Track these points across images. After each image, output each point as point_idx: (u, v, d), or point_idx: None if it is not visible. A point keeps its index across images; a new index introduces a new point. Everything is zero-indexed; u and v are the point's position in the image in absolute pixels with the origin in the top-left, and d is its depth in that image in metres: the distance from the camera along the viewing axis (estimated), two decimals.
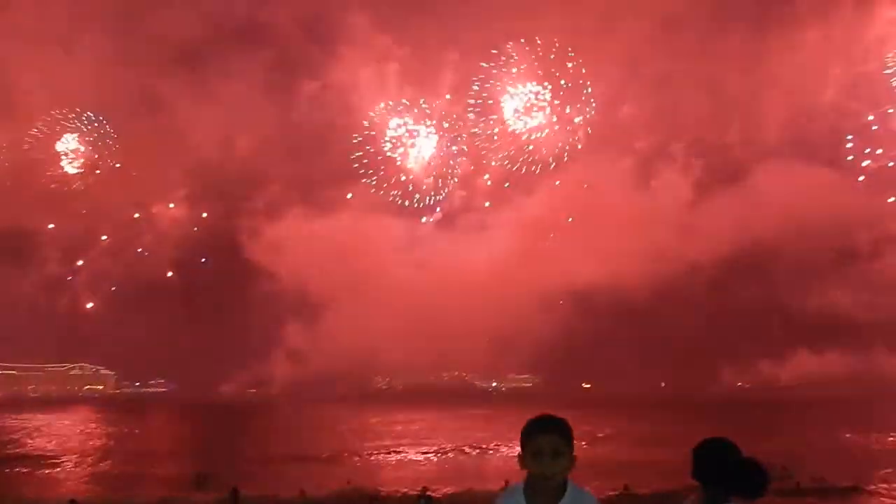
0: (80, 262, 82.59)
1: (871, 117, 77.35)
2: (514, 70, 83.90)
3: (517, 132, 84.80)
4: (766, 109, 76.69)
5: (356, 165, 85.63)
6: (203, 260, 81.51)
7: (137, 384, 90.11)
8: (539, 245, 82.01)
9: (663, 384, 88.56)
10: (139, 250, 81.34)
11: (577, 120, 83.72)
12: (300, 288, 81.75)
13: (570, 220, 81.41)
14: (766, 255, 75.85)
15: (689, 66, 76.43)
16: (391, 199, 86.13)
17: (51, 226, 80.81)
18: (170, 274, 79.73)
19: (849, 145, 78.53)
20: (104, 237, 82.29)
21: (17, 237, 77.59)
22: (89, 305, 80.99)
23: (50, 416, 63.52)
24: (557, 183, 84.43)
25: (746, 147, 78.40)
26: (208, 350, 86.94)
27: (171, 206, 79.14)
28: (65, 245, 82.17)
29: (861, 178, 78.16)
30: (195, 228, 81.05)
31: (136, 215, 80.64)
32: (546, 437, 3.36)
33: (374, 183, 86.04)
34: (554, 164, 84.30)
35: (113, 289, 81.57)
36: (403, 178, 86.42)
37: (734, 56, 75.47)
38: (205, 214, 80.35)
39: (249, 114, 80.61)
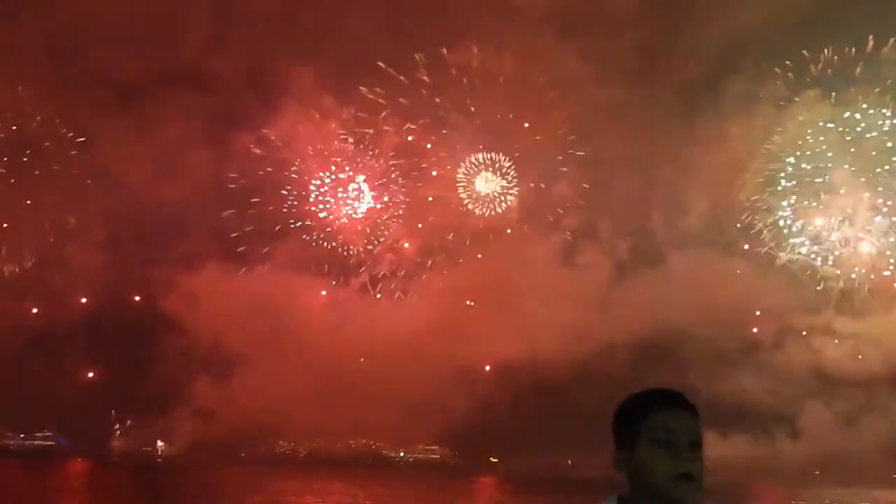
0: None
1: (786, 212, 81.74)
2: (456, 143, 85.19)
3: (451, 201, 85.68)
4: (689, 197, 79.94)
5: (287, 221, 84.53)
6: (84, 300, 77.41)
7: (22, 436, 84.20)
8: (460, 315, 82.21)
9: (570, 462, 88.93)
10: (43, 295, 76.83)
11: (511, 194, 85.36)
12: (214, 343, 79.29)
13: (494, 292, 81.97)
14: (679, 339, 78.19)
15: (623, 149, 79.15)
16: (315, 258, 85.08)
17: None
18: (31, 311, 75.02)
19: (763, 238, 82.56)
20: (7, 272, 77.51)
21: None
22: None
23: None
24: (480, 256, 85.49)
25: (667, 232, 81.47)
26: (105, 403, 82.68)
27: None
28: None
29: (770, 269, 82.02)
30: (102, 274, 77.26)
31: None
32: (681, 415, 2.45)
33: (302, 239, 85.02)
34: (485, 235, 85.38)
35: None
36: (330, 236, 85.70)
37: (664, 143, 78.63)
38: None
39: (182, 161, 78.50)
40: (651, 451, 2.36)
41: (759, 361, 79.97)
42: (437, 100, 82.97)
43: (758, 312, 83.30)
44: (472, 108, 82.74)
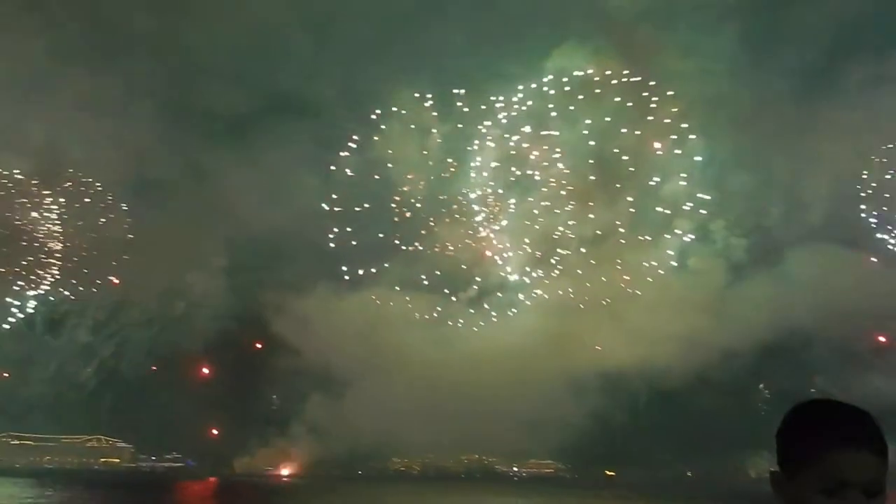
0: (109, 332, 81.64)
1: None
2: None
3: (558, 209, 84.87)
4: (808, 190, 76.02)
5: (394, 240, 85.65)
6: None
7: (154, 458, 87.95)
8: (571, 326, 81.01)
9: (689, 473, 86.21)
10: (168, 322, 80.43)
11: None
12: (324, 364, 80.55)
13: (606, 301, 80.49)
14: (803, 341, 74.49)
15: (735, 144, 76.25)
16: (425, 274, 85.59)
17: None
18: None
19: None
20: (137, 307, 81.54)
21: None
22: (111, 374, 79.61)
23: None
24: (592, 263, 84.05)
25: (786, 229, 77.66)
26: (227, 425, 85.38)
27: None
28: (96, 314, 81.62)
29: None
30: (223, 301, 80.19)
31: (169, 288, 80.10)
32: (861, 460, 1.99)
33: (410, 257, 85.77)
34: (593, 242, 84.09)
35: (137, 360, 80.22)
36: (438, 253, 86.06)
37: (778, 133, 75.01)
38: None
39: (288, 186, 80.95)
40: (815, 500, 1.96)
41: (893, 362, 75.05)
42: (537, 109, 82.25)
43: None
44: (576, 114, 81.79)
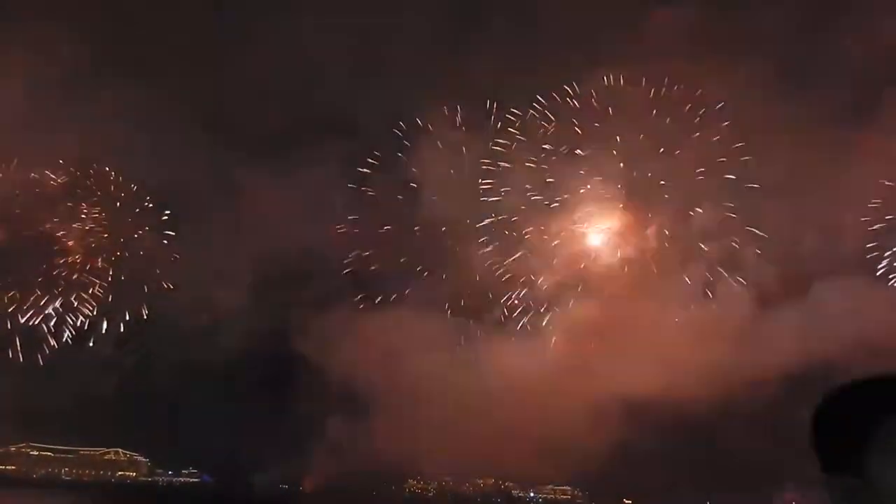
0: (133, 345, 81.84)
1: None
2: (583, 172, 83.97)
3: (583, 234, 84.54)
4: (842, 219, 75.41)
5: (418, 261, 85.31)
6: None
7: (171, 472, 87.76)
8: (595, 352, 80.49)
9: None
10: (191, 337, 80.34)
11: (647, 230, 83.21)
12: (346, 384, 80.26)
13: (628, 326, 79.87)
14: (831, 373, 73.51)
15: (770, 171, 75.74)
16: (448, 296, 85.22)
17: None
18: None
19: None
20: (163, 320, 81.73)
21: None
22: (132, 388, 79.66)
23: None
24: (615, 290, 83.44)
25: (818, 258, 76.89)
26: (246, 441, 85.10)
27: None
28: (120, 327, 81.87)
29: None
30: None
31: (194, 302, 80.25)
32: None
33: (433, 278, 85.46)
34: (621, 267, 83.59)
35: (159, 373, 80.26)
36: (461, 274, 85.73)
37: (816, 163, 74.31)
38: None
39: (321, 205, 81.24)
40: None
41: None
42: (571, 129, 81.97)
43: None
44: (608, 137, 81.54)
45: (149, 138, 77.43)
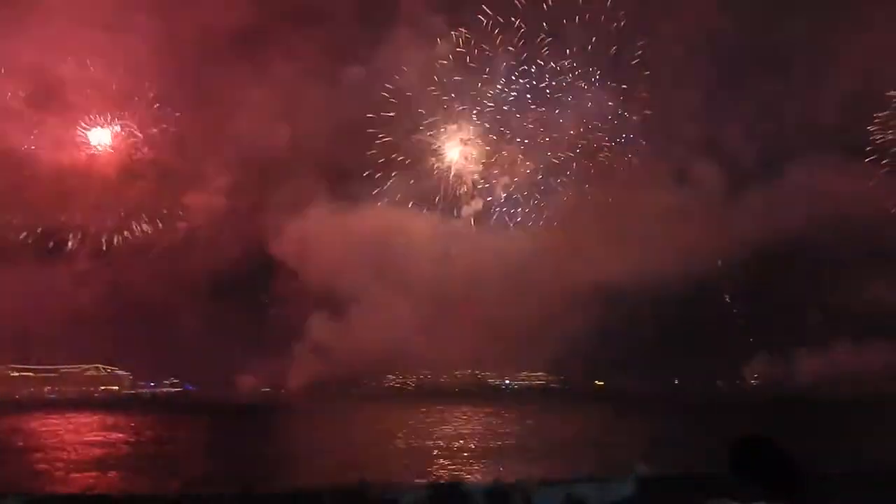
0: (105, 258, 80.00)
1: None
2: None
3: (566, 122, 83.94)
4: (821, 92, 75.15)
5: (394, 156, 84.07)
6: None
7: (153, 384, 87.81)
8: (572, 238, 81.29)
9: (677, 381, 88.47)
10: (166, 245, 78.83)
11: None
12: (326, 283, 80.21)
13: (605, 212, 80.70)
14: (800, 248, 75.63)
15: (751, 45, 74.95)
16: (427, 190, 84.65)
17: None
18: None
19: None
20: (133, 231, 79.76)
21: (53, 234, 76.33)
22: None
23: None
24: (592, 171, 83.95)
25: (794, 136, 77.35)
26: (226, 348, 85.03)
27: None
28: (94, 241, 79.81)
29: None
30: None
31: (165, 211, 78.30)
32: None
33: (413, 172, 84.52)
34: (600, 156, 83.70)
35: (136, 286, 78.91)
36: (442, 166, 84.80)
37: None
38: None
39: (293, 101, 78.49)
40: None
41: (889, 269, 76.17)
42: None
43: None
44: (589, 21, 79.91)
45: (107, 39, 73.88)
